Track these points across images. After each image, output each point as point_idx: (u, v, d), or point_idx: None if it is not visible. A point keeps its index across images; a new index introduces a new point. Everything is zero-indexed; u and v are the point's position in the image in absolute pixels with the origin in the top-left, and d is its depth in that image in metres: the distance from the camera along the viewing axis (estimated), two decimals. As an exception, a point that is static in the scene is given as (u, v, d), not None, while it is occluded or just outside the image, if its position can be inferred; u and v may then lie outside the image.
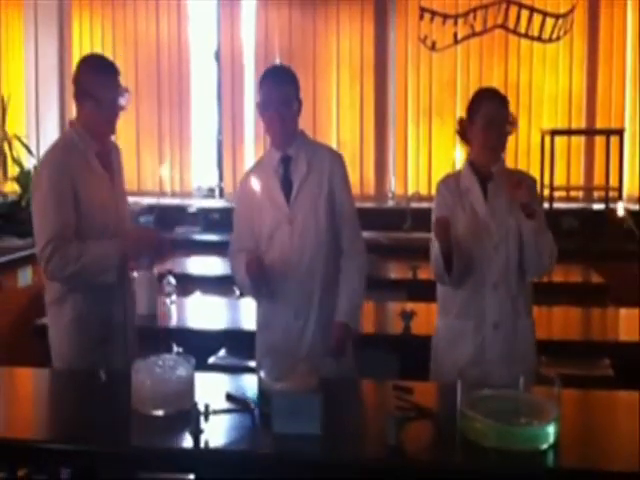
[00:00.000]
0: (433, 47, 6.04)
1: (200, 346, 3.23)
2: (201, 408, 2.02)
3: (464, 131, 2.75)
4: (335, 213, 2.70)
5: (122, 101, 2.73)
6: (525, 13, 5.91)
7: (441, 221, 2.55)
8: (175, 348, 3.13)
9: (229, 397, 2.25)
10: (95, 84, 2.66)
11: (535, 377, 2.54)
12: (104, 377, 2.40)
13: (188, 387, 2.21)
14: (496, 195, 2.68)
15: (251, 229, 2.74)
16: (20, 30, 6.19)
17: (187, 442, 1.98)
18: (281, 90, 2.63)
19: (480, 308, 2.67)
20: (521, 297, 2.70)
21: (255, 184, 2.71)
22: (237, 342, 3.38)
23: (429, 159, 6.20)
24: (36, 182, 2.71)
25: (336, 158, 2.77)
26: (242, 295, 4.36)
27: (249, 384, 2.49)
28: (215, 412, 2.06)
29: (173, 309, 3.68)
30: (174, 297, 3.75)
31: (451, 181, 2.78)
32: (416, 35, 6.11)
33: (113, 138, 2.92)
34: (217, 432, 2.04)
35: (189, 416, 2.03)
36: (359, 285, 2.72)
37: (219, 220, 6.14)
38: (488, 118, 2.63)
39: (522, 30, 5.92)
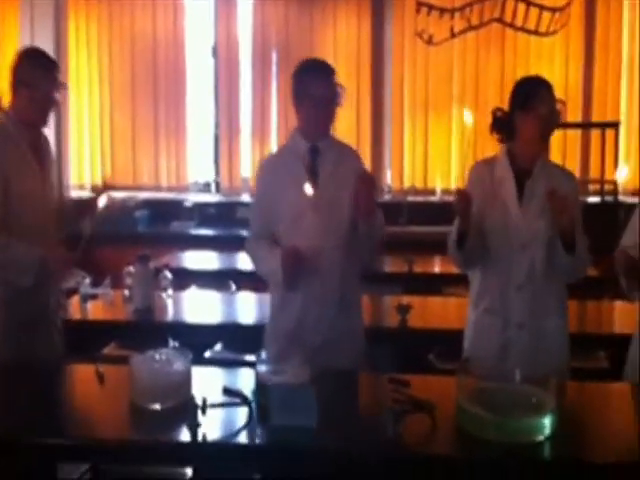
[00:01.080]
0: (430, 41, 6.03)
1: (196, 340, 3.23)
2: (198, 402, 2.02)
3: (503, 122, 2.63)
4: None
5: (57, 95, 2.79)
6: (522, 6, 5.90)
7: (462, 195, 2.46)
8: (171, 342, 3.14)
9: (226, 391, 2.25)
10: (31, 75, 2.73)
11: (566, 375, 2.57)
12: (101, 372, 2.40)
13: (185, 381, 2.21)
14: (533, 196, 2.58)
15: (272, 214, 2.72)
16: (16, 26, 6.17)
17: (185, 436, 1.99)
18: (330, 83, 2.65)
19: (505, 307, 2.60)
20: (550, 297, 2.62)
21: (279, 169, 2.73)
22: (233, 336, 3.39)
23: (425, 153, 6.21)
24: None
25: (359, 157, 2.84)
26: (238, 289, 4.37)
27: (246, 378, 2.50)
28: (212, 406, 2.06)
29: (169, 303, 3.68)
30: (170, 291, 3.75)
31: (484, 168, 2.68)
32: (412, 29, 6.10)
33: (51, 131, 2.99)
34: (214, 425, 2.04)
35: (186, 410, 2.04)
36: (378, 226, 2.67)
37: (215, 215, 6.15)
38: (541, 109, 2.52)
39: (519, 24, 5.92)
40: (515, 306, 2.59)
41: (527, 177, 2.60)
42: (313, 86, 2.62)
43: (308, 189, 2.56)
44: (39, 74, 2.74)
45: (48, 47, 6.09)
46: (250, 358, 2.99)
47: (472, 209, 2.48)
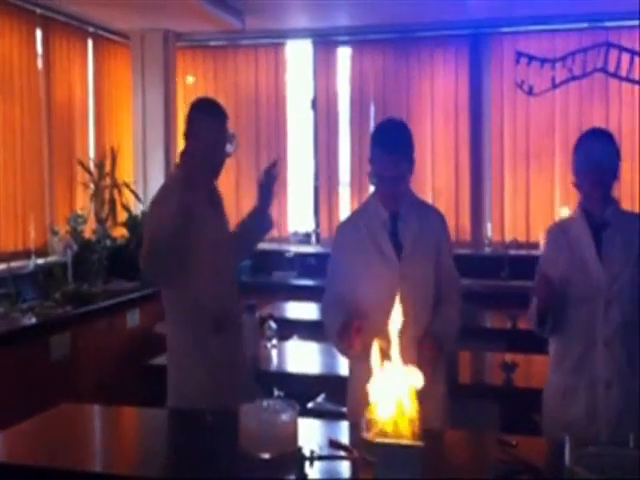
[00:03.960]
0: (530, 91, 6.01)
1: (299, 390, 3.28)
2: (306, 453, 2.05)
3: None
4: (439, 274, 2.65)
5: (229, 148, 2.76)
6: (625, 56, 5.81)
7: (543, 280, 2.45)
8: (276, 392, 3.19)
9: (332, 443, 2.27)
10: (204, 127, 2.68)
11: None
12: (211, 418, 2.47)
13: (293, 431, 2.25)
14: (612, 244, 2.51)
15: (351, 277, 2.66)
16: (128, 83, 6.55)
17: (293, 487, 2.02)
18: (392, 155, 2.57)
19: (592, 366, 2.51)
20: (638, 353, 2.51)
21: (357, 233, 2.68)
22: (334, 388, 3.41)
23: (527, 205, 6.12)
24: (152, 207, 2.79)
25: (443, 220, 2.75)
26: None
27: (349, 431, 2.52)
28: (319, 458, 2.08)
29: (274, 353, 3.75)
30: (275, 341, 3.82)
31: (557, 230, 2.67)
32: (512, 79, 6.10)
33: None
34: (320, 477, 2.06)
35: (293, 460, 2.07)
36: (455, 317, 2.64)
37: (315, 265, 6.23)
38: (592, 161, 2.50)
39: (623, 73, 5.82)
40: (603, 363, 2.49)
41: (603, 230, 2.55)
42: (377, 157, 2.59)
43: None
44: (210, 126, 2.69)
45: (158, 103, 6.46)
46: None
47: (553, 290, 2.44)
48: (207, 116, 2.71)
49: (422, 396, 2.53)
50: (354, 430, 2.42)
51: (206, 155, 2.69)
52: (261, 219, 3.00)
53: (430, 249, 2.63)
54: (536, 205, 6.09)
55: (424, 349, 2.50)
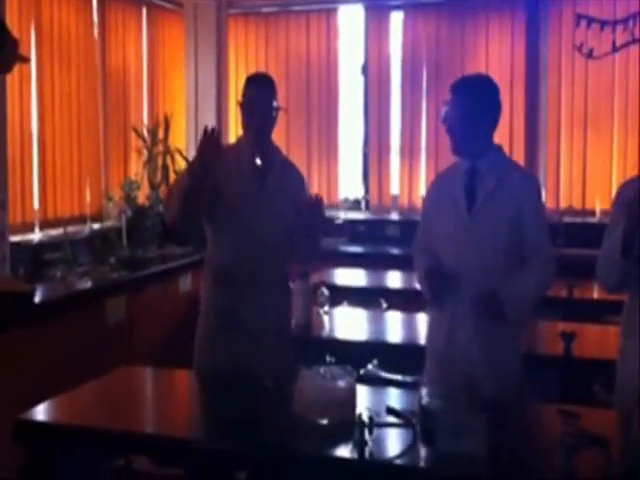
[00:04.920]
0: (590, 55, 5.82)
1: (351, 357, 3.27)
2: (365, 420, 2.06)
3: None
4: (521, 240, 2.57)
5: (274, 113, 2.95)
6: (691, 17, 5.57)
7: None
8: (328, 358, 3.20)
9: (390, 411, 2.27)
10: (248, 96, 2.91)
11: None
12: (270, 384, 2.50)
13: (350, 398, 2.26)
14: None
15: (431, 231, 2.75)
16: (181, 51, 6.57)
17: (352, 452, 2.02)
18: (459, 104, 2.60)
19: None
20: None
21: (441, 189, 2.76)
22: (386, 354, 3.40)
23: (584, 172, 5.97)
24: None
25: (531, 183, 2.70)
26: (389, 307, 4.40)
27: (404, 398, 2.53)
28: (378, 425, 2.09)
29: (326, 320, 3.76)
30: (327, 308, 3.83)
31: (629, 187, 2.51)
32: (570, 43, 5.92)
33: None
34: (380, 445, 2.07)
35: (351, 427, 2.08)
36: (530, 284, 2.56)
37: (365, 232, 6.22)
38: None
39: (687, 35, 5.59)
40: None
41: None
42: (449, 105, 2.63)
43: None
44: (259, 97, 2.90)
45: (210, 71, 6.47)
46: (402, 378, 3.01)
47: None
48: (250, 85, 2.95)
49: (488, 358, 2.56)
50: (412, 397, 2.43)
51: (247, 119, 2.91)
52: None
53: (507, 211, 2.56)
54: (593, 171, 5.94)
55: (481, 303, 2.52)
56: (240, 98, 2.96)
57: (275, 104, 2.94)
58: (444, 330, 2.65)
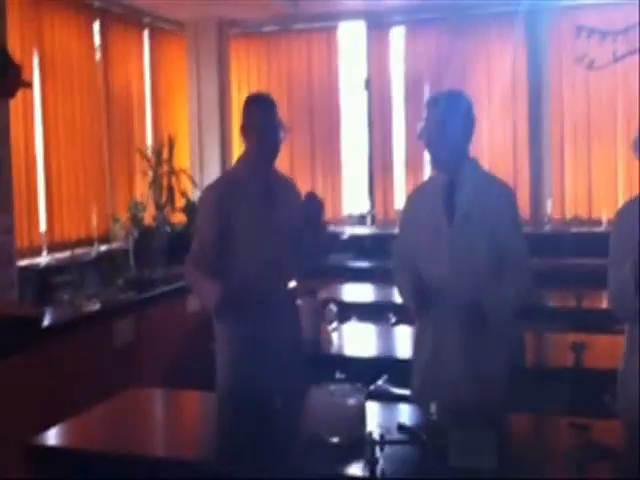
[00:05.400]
0: (591, 66, 5.82)
1: (360, 373, 3.26)
2: (376, 437, 2.05)
3: None
4: (500, 251, 2.60)
5: (281, 134, 2.92)
6: (691, 26, 5.57)
7: None
8: (338, 375, 3.18)
9: (401, 428, 2.26)
10: (257, 119, 2.88)
11: None
12: (279, 402, 2.49)
13: (361, 415, 2.24)
14: None
15: (411, 244, 2.74)
16: (183, 72, 6.61)
17: (364, 471, 2.01)
18: (443, 114, 2.61)
19: None
20: None
21: (420, 201, 2.76)
22: (395, 370, 3.39)
23: (589, 181, 5.97)
24: (197, 210, 3.09)
25: (509, 196, 2.70)
26: (397, 322, 4.38)
27: (414, 414, 2.51)
28: (389, 443, 2.07)
29: (335, 336, 3.75)
30: (335, 324, 3.81)
31: (630, 205, 2.51)
32: (571, 54, 5.92)
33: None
34: (391, 463, 2.05)
35: (362, 444, 2.07)
36: (510, 296, 2.59)
37: (371, 247, 6.20)
38: None
39: (688, 44, 5.58)
40: None
41: None
42: (428, 118, 2.65)
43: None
44: (255, 114, 2.89)
45: (213, 92, 6.51)
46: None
47: None
48: (257, 108, 2.92)
49: (479, 372, 2.58)
50: (421, 413, 2.42)
51: (261, 142, 2.88)
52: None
53: (485, 222, 2.59)
54: (598, 181, 5.94)
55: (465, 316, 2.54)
56: (242, 121, 2.93)
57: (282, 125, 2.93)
58: (429, 343, 2.67)
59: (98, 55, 5.54)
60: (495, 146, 6.16)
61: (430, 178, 2.88)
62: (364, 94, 6.65)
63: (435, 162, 2.72)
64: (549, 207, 6.08)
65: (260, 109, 2.91)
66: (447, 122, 2.60)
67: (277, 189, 2.98)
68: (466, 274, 2.59)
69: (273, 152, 2.93)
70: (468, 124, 2.66)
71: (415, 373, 2.78)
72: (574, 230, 5.73)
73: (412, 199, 2.86)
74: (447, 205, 2.64)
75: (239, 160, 3.05)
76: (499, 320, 2.58)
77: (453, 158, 2.65)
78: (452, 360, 2.60)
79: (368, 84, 6.61)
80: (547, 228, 6.00)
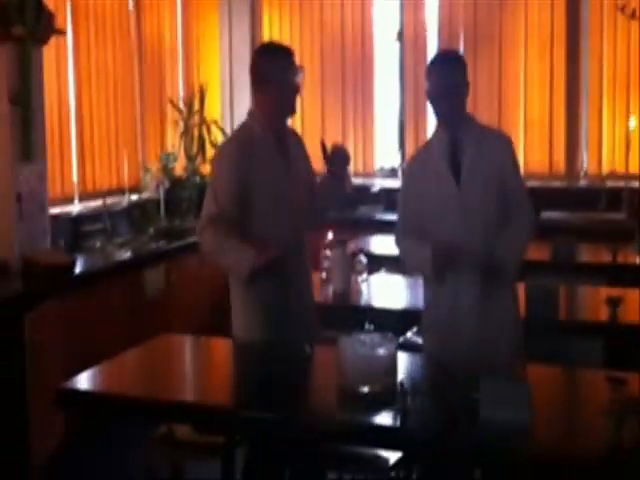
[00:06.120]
0: (633, 15, 5.62)
1: (390, 325, 3.25)
2: (407, 387, 2.04)
3: None
4: (506, 199, 2.66)
5: (299, 81, 2.75)
6: None
7: None
8: (367, 326, 3.18)
9: (430, 377, 2.25)
10: (276, 69, 2.70)
11: None
12: (309, 350, 2.49)
13: (392, 365, 2.24)
14: None
15: (418, 210, 2.73)
16: (215, 22, 6.53)
17: (395, 420, 2.00)
18: (449, 78, 2.65)
19: None
20: None
21: (423, 165, 2.76)
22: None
23: (627, 135, 5.81)
24: (212, 169, 2.90)
25: (508, 143, 2.75)
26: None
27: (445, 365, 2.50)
28: (420, 393, 2.07)
29: (364, 287, 3.74)
30: (365, 275, 3.80)
31: None
32: (612, 3, 5.73)
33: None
34: (422, 412, 2.05)
35: (393, 394, 2.06)
36: (521, 238, 2.68)
37: (401, 200, 6.14)
38: None
39: None
40: None
41: None
42: (434, 81, 2.68)
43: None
44: (283, 67, 2.70)
45: (244, 42, 6.44)
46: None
47: None
48: (277, 59, 2.73)
49: (491, 322, 2.61)
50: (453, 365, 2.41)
51: (280, 98, 2.72)
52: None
53: (491, 174, 2.65)
54: (637, 135, 5.77)
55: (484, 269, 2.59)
56: (256, 73, 2.75)
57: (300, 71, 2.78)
58: (446, 301, 2.68)
59: (131, 4, 5.48)
60: (531, 98, 6.02)
61: (425, 145, 2.88)
62: (397, 45, 6.51)
63: (444, 119, 2.70)
64: (585, 161, 5.95)
65: (280, 61, 2.72)
66: (455, 79, 2.66)
67: (290, 142, 2.89)
68: (478, 230, 2.63)
69: (292, 108, 2.78)
70: (466, 81, 2.72)
71: (428, 332, 2.80)
72: (610, 184, 5.60)
73: (411, 169, 2.88)
74: (452, 165, 2.67)
75: (252, 114, 2.79)
76: (516, 265, 2.66)
77: (460, 114, 2.70)
78: (471, 317, 2.62)
79: (401, 35, 6.46)
80: (582, 182, 5.88)
